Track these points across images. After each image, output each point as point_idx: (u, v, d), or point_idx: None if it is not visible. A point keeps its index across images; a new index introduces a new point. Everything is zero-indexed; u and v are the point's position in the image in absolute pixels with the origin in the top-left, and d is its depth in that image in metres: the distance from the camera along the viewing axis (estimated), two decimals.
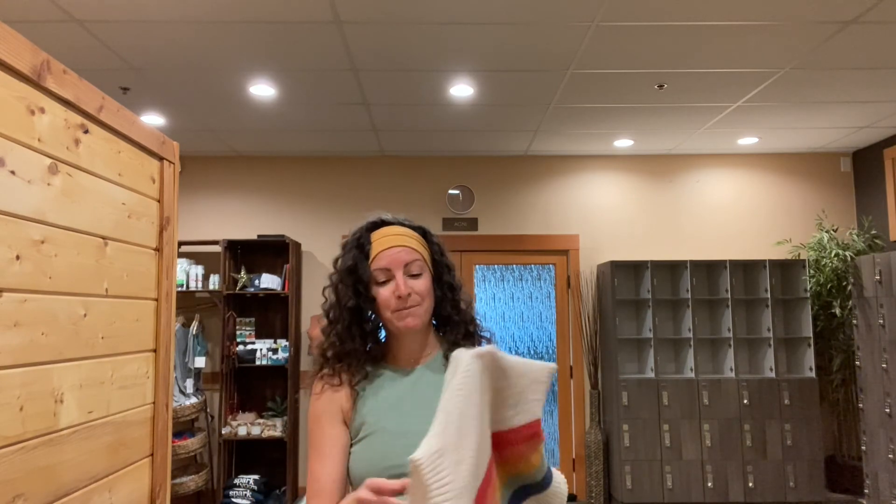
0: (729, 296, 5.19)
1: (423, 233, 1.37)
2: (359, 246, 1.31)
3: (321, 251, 5.65)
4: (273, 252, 5.48)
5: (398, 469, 1.18)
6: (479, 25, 3.24)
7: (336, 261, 1.35)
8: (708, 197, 5.78)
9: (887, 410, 4.47)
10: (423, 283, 1.29)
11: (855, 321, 4.83)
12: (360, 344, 1.32)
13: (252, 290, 5.22)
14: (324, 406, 1.30)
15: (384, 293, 1.28)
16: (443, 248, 1.38)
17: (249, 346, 5.26)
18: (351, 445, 1.28)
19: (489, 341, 1.39)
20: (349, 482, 1.28)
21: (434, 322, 1.39)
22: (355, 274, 1.30)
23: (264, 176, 5.72)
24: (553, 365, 1.10)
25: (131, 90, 4.07)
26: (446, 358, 1.33)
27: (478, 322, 1.40)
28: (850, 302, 5.00)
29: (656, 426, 5.00)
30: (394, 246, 1.29)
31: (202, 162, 5.69)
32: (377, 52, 3.54)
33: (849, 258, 5.01)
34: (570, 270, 5.71)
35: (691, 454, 4.97)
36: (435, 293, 1.33)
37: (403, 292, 1.26)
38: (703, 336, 5.30)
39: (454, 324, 1.36)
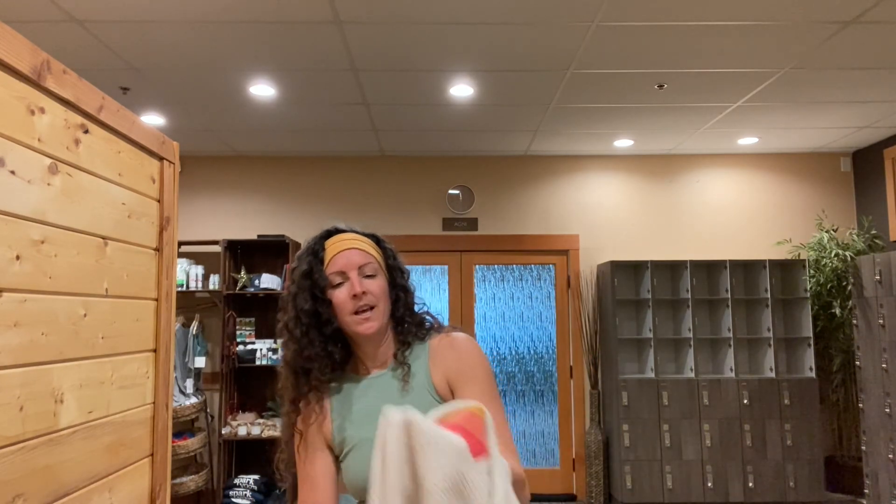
0: (729, 296, 5.19)
1: (376, 239, 1.40)
2: (313, 253, 1.35)
3: None
4: (273, 252, 5.48)
5: None
6: (479, 25, 3.24)
7: (292, 271, 1.38)
8: (708, 197, 5.78)
9: (887, 410, 4.47)
10: (377, 284, 1.32)
11: (855, 321, 4.83)
12: (321, 348, 1.32)
13: (252, 290, 5.22)
14: (308, 435, 1.33)
15: (340, 295, 1.30)
16: (395, 252, 1.40)
17: (249, 346, 5.26)
18: (339, 460, 1.31)
19: (437, 328, 1.40)
20: (347, 490, 1.30)
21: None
22: (311, 278, 1.32)
23: (264, 176, 5.72)
24: (462, 443, 0.90)
25: (131, 90, 4.07)
26: (394, 357, 1.36)
27: (428, 319, 1.41)
28: (850, 302, 5.00)
29: (656, 426, 5.00)
30: (347, 248, 1.33)
31: (202, 162, 5.69)
32: (377, 52, 3.54)
33: (849, 258, 5.01)
34: (570, 270, 5.71)
35: (691, 454, 4.97)
36: (390, 296, 1.35)
37: (358, 290, 1.28)
38: (703, 336, 5.30)
39: (408, 325, 1.38)
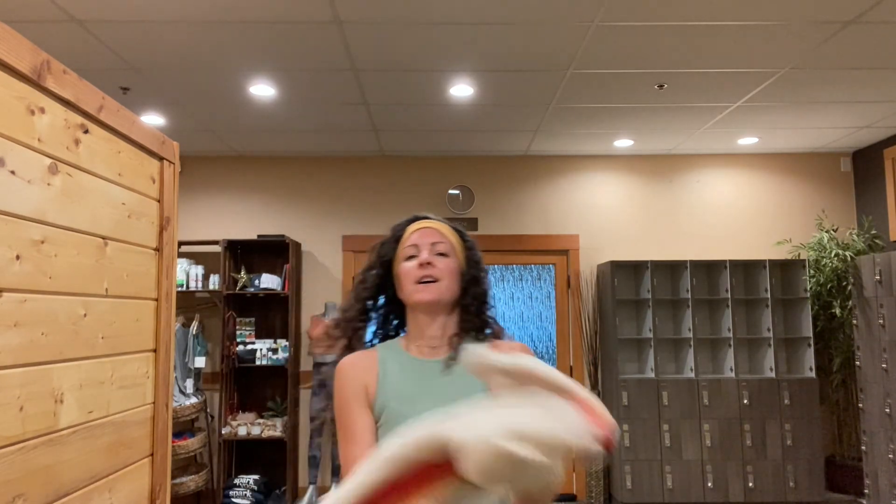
0: (729, 296, 5.19)
1: (459, 231, 1.44)
2: (393, 231, 1.43)
3: (321, 251, 5.65)
4: (273, 252, 5.48)
5: None
6: (479, 25, 3.24)
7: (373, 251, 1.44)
8: (708, 197, 5.78)
9: (887, 410, 4.47)
10: (447, 262, 1.35)
11: (855, 321, 4.83)
12: (356, 317, 1.39)
13: (252, 290, 5.22)
14: (351, 388, 1.31)
15: (407, 266, 1.35)
16: (476, 247, 1.44)
17: (249, 346, 5.26)
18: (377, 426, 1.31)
19: (498, 336, 1.41)
20: None
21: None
22: (380, 251, 1.41)
23: (264, 176, 5.72)
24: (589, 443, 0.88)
25: (131, 90, 4.07)
26: (449, 345, 1.36)
27: (492, 325, 1.41)
28: (850, 302, 5.00)
29: (656, 426, 5.00)
30: (425, 227, 1.39)
31: (202, 162, 5.69)
32: (377, 52, 3.54)
33: (849, 258, 5.01)
34: (570, 270, 5.71)
35: (691, 454, 4.97)
36: (459, 282, 1.37)
37: (425, 259, 1.33)
38: (703, 336, 5.30)
39: (471, 319, 1.38)
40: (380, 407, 1.29)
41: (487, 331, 1.41)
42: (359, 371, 1.32)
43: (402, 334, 1.43)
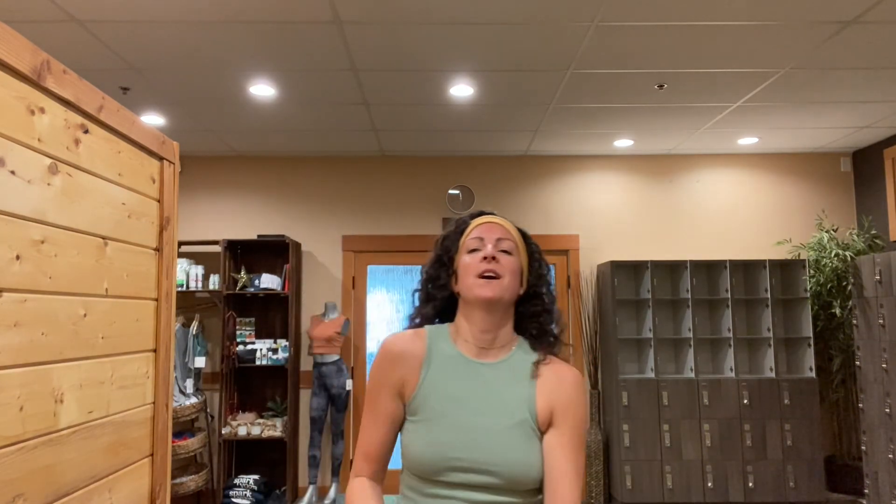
0: (729, 296, 5.19)
1: (523, 234, 1.41)
2: (457, 224, 1.40)
3: (321, 251, 5.65)
4: (273, 252, 5.48)
5: (457, 462, 1.21)
6: (479, 25, 3.24)
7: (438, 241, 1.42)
8: (708, 197, 5.78)
9: (887, 410, 4.47)
10: (511, 260, 1.31)
11: (855, 321, 4.83)
12: (428, 312, 1.39)
13: (252, 290, 5.22)
14: (386, 372, 1.31)
15: (469, 259, 1.31)
16: (539, 250, 1.41)
17: (249, 346, 5.26)
18: (406, 419, 1.30)
19: (550, 347, 1.34)
20: (404, 457, 1.29)
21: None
22: (444, 243, 1.38)
23: (264, 176, 5.72)
24: None
25: (131, 90, 4.07)
26: (500, 347, 1.33)
27: (550, 336, 1.35)
28: (850, 302, 5.00)
29: (656, 426, 5.00)
30: (490, 222, 1.36)
31: (202, 162, 5.69)
32: (377, 52, 3.54)
33: (849, 258, 5.01)
34: (570, 270, 5.71)
35: (691, 454, 4.97)
36: (522, 281, 1.34)
37: (490, 253, 1.29)
38: (703, 336, 5.30)
39: (530, 323, 1.35)
40: (418, 402, 1.28)
41: (544, 338, 1.35)
42: (402, 362, 1.30)
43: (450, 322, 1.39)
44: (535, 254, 1.39)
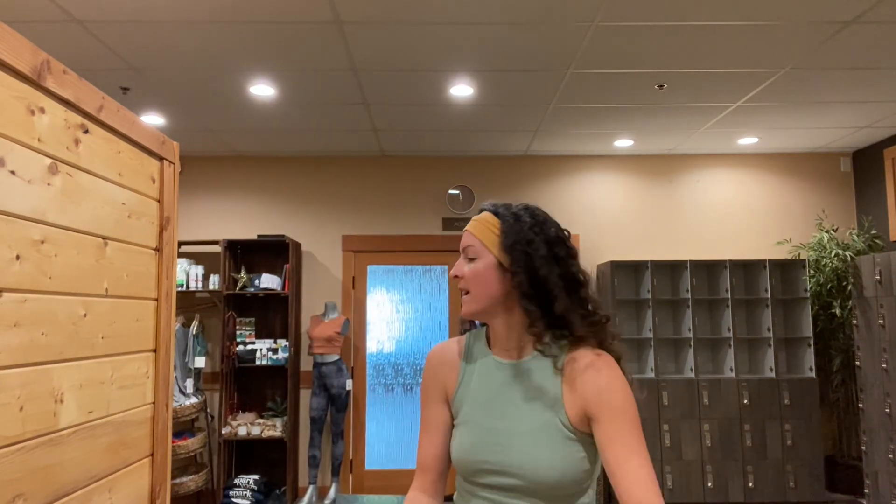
0: (729, 296, 5.19)
1: (503, 217, 1.28)
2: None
3: (321, 251, 5.65)
4: (273, 252, 5.48)
5: (485, 465, 1.22)
6: (479, 25, 3.24)
7: None
8: (708, 197, 5.78)
9: (887, 410, 4.47)
10: (472, 267, 1.26)
11: (855, 321, 4.83)
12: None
13: (252, 290, 5.22)
14: (430, 381, 1.35)
15: None
16: (517, 228, 1.25)
17: (249, 346, 5.26)
18: (453, 422, 1.33)
19: (598, 345, 1.24)
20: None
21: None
22: None
23: (264, 176, 5.72)
24: None
25: (131, 90, 4.07)
26: (518, 348, 1.28)
27: (578, 322, 1.22)
28: (850, 302, 5.00)
29: (656, 426, 5.00)
30: (463, 233, 1.32)
31: (202, 162, 5.69)
32: (377, 52, 3.54)
33: (849, 258, 5.01)
34: None
35: (691, 454, 4.97)
36: (505, 281, 1.24)
37: (450, 274, 1.30)
38: (703, 336, 5.30)
39: (541, 318, 1.24)
40: (457, 406, 1.31)
41: (574, 326, 1.23)
42: (442, 368, 1.34)
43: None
44: (510, 238, 1.24)
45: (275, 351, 5.25)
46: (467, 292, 1.27)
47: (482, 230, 1.27)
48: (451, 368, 1.33)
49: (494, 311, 1.27)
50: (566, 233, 1.29)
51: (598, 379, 1.18)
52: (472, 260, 1.27)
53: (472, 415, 1.27)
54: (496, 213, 1.28)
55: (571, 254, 1.27)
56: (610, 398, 1.17)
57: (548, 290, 1.22)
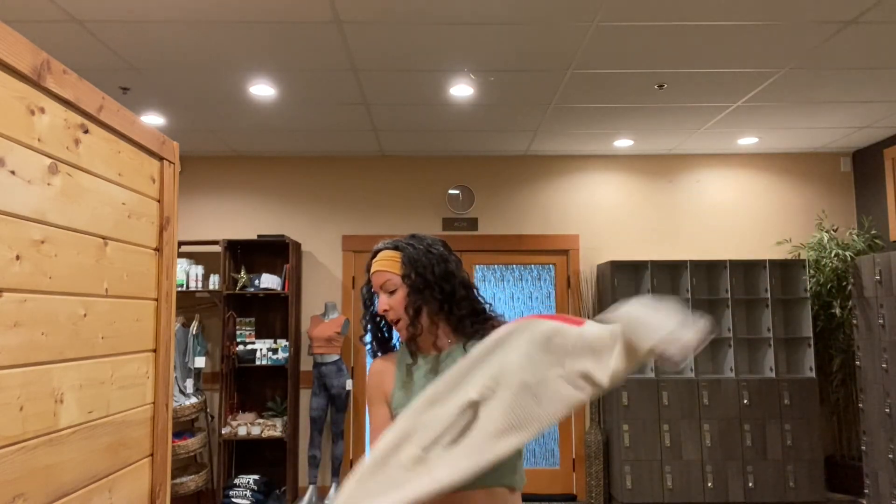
0: (729, 296, 5.19)
1: (404, 248, 1.54)
2: (367, 271, 1.60)
3: (321, 251, 5.66)
4: (273, 252, 5.48)
5: None
6: (479, 25, 3.25)
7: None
8: (708, 197, 5.78)
9: (887, 410, 4.47)
10: (395, 300, 1.50)
11: (855, 321, 4.83)
12: (381, 344, 1.62)
13: (252, 290, 5.22)
14: (372, 389, 1.57)
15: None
16: (416, 258, 1.51)
17: (249, 346, 5.26)
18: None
19: (499, 324, 1.51)
20: None
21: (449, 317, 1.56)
22: (365, 295, 1.62)
23: (264, 176, 5.72)
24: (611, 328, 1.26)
25: (131, 90, 4.07)
26: (449, 343, 1.54)
27: (481, 309, 1.55)
28: (850, 302, 5.00)
29: (656, 426, 5.00)
30: (375, 271, 1.54)
31: (202, 162, 5.69)
32: (377, 52, 3.54)
33: (849, 258, 5.01)
34: (570, 270, 5.71)
35: (691, 454, 4.97)
36: (413, 303, 1.49)
37: (379, 310, 1.52)
38: None
39: (458, 316, 1.52)
40: (395, 404, 1.51)
41: (482, 319, 1.54)
42: (381, 376, 1.56)
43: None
44: (408, 267, 1.50)
45: (275, 351, 5.25)
46: (398, 321, 1.50)
47: (391, 265, 1.52)
48: (387, 376, 1.55)
49: (415, 333, 1.50)
50: (446, 249, 1.57)
51: None
52: (391, 293, 1.50)
53: (404, 404, 1.43)
54: (395, 248, 1.54)
55: (457, 266, 1.56)
56: None
57: (450, 302, 1.50)
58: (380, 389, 1.55)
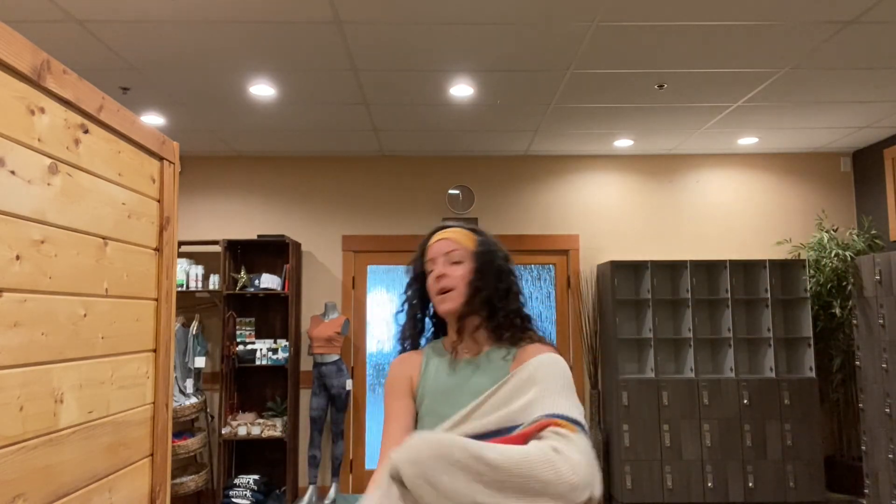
0: (729, 296, 5.19)
1: (476, 231, 1.52)
2: (420, 247, 1.53)
3: (321, 251, 5.65)
4: (273, 252, 5.48)
5: None
6: (479, 25, 3.24)
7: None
8: (708, 197, 5.78)
9: (887, 410, 4.47)
10: (459, 270, 1.43)
11: (855, 321, 4.83)
12: (412, 325, 1.53)
13: (252, 290, 5.22)
14: (398, 378, 1.46)
15: (430, 281, 1.46)
16: (491, 244, 1.50)
17: (249, 346, 5.26)
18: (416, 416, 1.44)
19: (542, 342, 1.45)
20: None
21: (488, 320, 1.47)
22: (414, 272, 1.53)
23: (264, 176, 5.72)
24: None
25: (131, 90, 4.07)
26: (478, 345, 1.45)
27: (528, 326, 1.48)
28: (850, 302, 5.00)
29: (656, 426, 5.00)
30: (438, 240, 1.48)
31: (202, 162, 5.69)
32: (377, 52, 3.54)
33: (849, 258, 5.01)
34: (570, 270, 5.71)
35: (691, 454, 4.97)
36: (474, 282, 1.42)
37: (439, 272, 1.42)
38: (703, 336, 5.30)
39: (501, 322, 1.44)
40: (419, 399, 1.43)
41: (523, 329, 1.46)
42: (406, 366, 1.47)
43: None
44: (482, 247, 1.47)
45: (275, 351, 5.25)
46: (448, 291, 1.42)
47: (464, 239, 1.47)
48: (414, 366, 1.47)
49: (465, 311, 1.43)
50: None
51: (539, 356, 1.34)
52: (456, 263, 1.44)
53: (433, 406, 1.38)
54: (473, 231, 1.50)
55: (515, 272, 1.52)
56: (548, 371, 1.30)
57: (498, 293, 1.44)
58: (405, 379, 1.47)
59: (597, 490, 1.03)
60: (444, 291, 1.42)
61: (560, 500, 0.97)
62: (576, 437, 1.07)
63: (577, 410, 1.19)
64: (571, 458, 1.02)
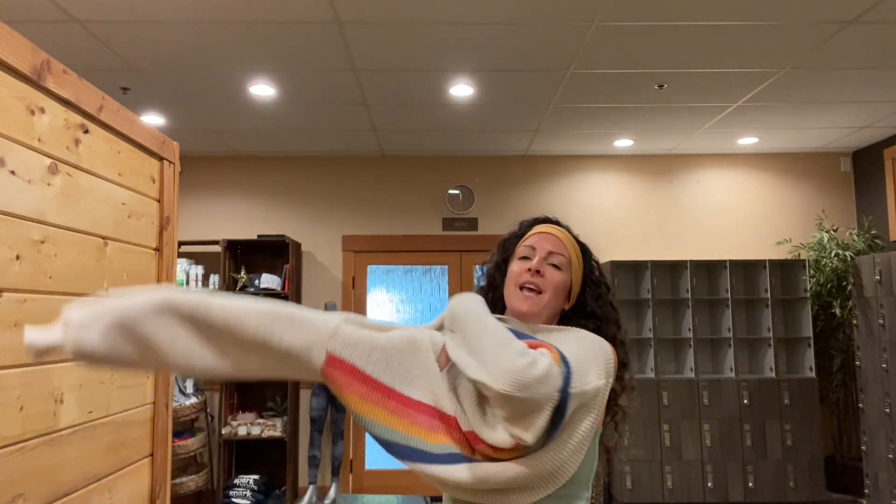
0: (729, 296, 5.19)
1: (584, 249, 1.37)
2: (520, 227, 1.39)
3: (321, 251, 5.65)
4: (273, 252, 5.48)
5: None
6: (479, 25, 3.24)
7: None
8: (708, 197, 5.78)
9: (887, 410, 4.47)
10: (557, 276, 1.27)
11: (855, 321, 4.83)
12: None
13: (252, 290, 5.22)
14: None
15: (517, 267, 1.29)
16: (600, 271, 1.37)
17: None
18: None
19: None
20: None
21: None
22: (504, 245, 1.37)
23: (264, 176, 5.72)
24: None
25: (131, 90, 4.07)
26: None
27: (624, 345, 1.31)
28: (850, 302, 5.00)
29: (656, 426, 5.00)
30: (547, 232, 1.33)
31: (202, 162, 5.69)
32: (377, 52, 3.54)
33: (849, 258, 5.01)
34: None
35: (691, 454, 4.96)
36: (568, 300, 1.30)
37: (535, 266, 1.26)
38: (703, 336, 5.29)
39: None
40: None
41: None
42: None
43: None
44: (592, 273, 1.33)
45: None
46: (538, 291, 1.25)
47: (572, 250, 1.33)
48: None
49: (535, 319, 1.27)
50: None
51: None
52: (555, 267, 1.28)
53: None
54: (583, 248, 1.37)
55: (609, 291, 1.36)
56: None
57: (594, 325, 1.28)
58: None
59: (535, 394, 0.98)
60: (530, 288, 1.25)
61: (502, 377, 0.99)
62: (551, 363, 1.02)
63: (584, 363, 1.10)
64: (539, 360, 1.00)
